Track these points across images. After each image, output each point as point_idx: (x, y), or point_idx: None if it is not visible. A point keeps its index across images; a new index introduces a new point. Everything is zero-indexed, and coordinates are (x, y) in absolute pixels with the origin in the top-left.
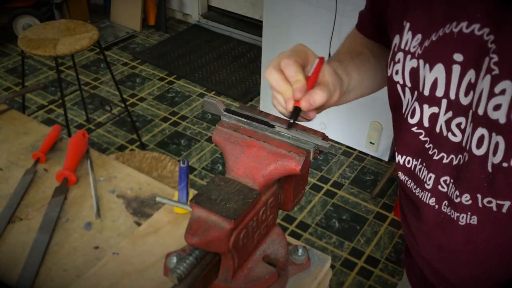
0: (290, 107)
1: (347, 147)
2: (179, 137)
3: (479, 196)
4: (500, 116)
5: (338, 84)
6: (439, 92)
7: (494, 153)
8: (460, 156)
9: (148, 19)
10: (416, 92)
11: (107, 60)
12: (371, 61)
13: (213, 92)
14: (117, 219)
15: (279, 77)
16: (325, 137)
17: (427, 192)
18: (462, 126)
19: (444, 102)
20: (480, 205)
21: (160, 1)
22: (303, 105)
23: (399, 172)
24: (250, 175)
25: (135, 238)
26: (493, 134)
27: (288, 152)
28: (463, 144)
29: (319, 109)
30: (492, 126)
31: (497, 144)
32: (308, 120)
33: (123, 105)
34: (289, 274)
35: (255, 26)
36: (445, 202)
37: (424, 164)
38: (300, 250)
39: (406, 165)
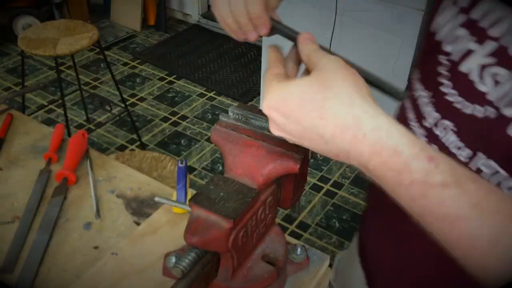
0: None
1: None
2: (179, 137)
3: (481, 156)
4: None
5: None
6: (495, 32)
7: None
8: (478, 107)
9: (148, 19)
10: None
11: (107, 60)
12: None
13: (213, 92)
14: (117, 219)
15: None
16: (402, 96)
17: (422, 129)
18: (499, 78)
19: (492, 44)
20: (473, 167)
21: (160, 1)
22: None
23: (405, 103)
24: (249, 174)
25: (134, 238)
26: None
27: (287, 151)
28: (490, 97)
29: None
30: None
31: None
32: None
33: (123, 105)
34: (288, 273)
35: None
36: (435, 146)
37: (432, 99)
38: (299, 249)
39: (414, 92)
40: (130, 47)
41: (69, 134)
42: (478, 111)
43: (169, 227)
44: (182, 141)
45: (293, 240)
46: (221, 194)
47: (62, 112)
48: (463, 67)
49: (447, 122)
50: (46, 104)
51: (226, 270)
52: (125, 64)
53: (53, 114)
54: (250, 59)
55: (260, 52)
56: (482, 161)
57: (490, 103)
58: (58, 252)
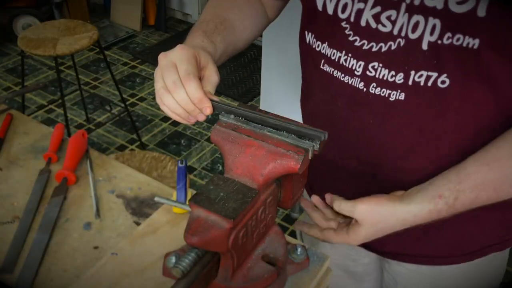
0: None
1: None
2: (179, 137)
3: (412, 72)
4: (437, 3)
5: (213, 61)
6: None
7: (431, 33)
8: (391, 43)
9: (148, 19)
10: None
11: (107, 60)
12: (235, 24)
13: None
14: (117, 219)
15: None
16: (324, 136)
17: (357, 78)
18: (393, 18)
19: None
20: (410, 82)
21: (160, 1)
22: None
23: (324, 65)
24: (249, 174)
25: (134, 238)
26: (430, 18)
27: (287, 151)
28: (395, 32)
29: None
30: (429, 12)
31: (434, 26)
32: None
33: (123, 105)
34: (288, 273)
35: None
36: (373, 84)
37: (350, 54)
38: (299, 249)
39: (332, 57)
40: (130, 47)
41: (69, 134)
42: (391, 45)
43: (169, 227)
44: (182, 141)
45: (293, 240)
46: (221, 194)
47: (62, 112)
48: (362, 22)
49: (374, 63)
50: (46, 104)
51: (226, 270)
52: (125, 64)
53: (53, 114)
54: (250, 59)
55: (260, 52)
56: (415, 75)
57: (397, 36)
58: (58, 252)
